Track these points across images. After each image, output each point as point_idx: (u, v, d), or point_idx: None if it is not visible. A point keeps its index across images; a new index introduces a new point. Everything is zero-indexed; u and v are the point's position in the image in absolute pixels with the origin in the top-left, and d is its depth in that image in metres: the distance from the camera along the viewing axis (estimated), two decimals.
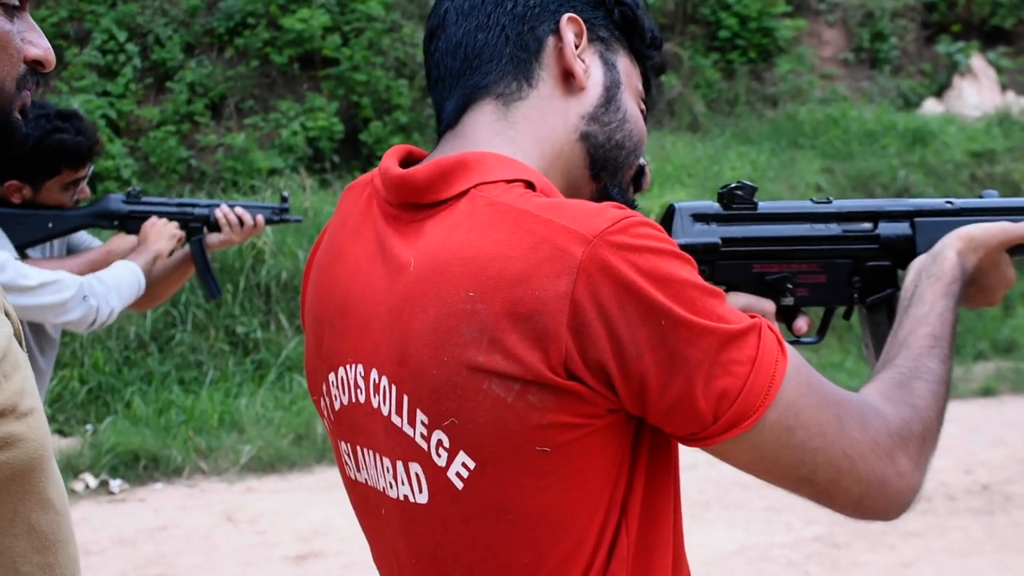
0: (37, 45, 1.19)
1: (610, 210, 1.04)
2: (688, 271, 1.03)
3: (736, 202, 1.35)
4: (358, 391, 1.15)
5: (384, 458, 1.13)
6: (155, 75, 9.13)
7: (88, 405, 6.42)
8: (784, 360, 1.06)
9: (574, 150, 1.18)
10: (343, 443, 1.21)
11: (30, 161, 2.79)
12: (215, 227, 3.11)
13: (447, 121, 1.19)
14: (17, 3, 1.17)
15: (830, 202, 1.39)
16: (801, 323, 1.40)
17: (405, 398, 1.09)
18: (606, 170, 1.20)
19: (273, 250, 7.19)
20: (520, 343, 1.01)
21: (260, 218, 3.12)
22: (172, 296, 6.86)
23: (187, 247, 3.11)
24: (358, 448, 1.18)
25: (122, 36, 8.95)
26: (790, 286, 1.38)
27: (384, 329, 1.11)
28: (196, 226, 3.10)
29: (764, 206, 1.37)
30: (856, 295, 1.41)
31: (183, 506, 5.39)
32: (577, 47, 1.18)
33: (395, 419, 1.10)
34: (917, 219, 1.38)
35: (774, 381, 1.04)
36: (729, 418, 1.03)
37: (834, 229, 1.38)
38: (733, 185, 1.35)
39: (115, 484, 5.66)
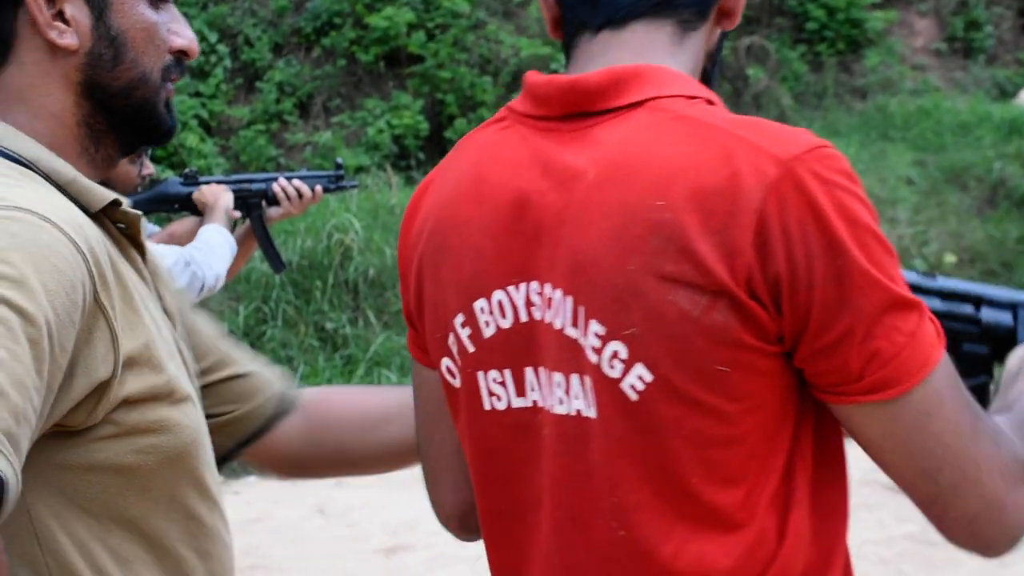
0: (182, 35, 1.20)
1: (805, 135, 1.02)
2: (873, 219, 1.01)
3: None
4: (530, 308, 1.10)
5: (555, 373, 1.09)
6: (245, 75, 9.30)
7: None
8: (940, 348, 1.03)
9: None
10: (495, 372, 1.14)
11: None
12: (273, 201, 3.10)
13: (617, 13, 1.12)
14: None
15: (935, 277, 1.36)
16: None
17: (581, 309, 1.06)
18: None
19: (361, 247, 7.28)
20: (710, 255, 1.00)
21: (319, 188, 3.12)
22: (263, 293, 7.03)
23: (247, 223, 3.11)
24: (525, 370, 1.12)
25: (213, 37, 9.13)
26: None
27: (556, 241, 1.08)
28: (255, 201, 3.09)
29: None
30: None
31: (275, 499, 5.49)
32: None
33: (569, 331, 1.07)
34: (1020, 311, 1.35)
35: (928, 361, 1.01)
36: (875, 380, 1.00)
37: (936, 305, 1.33)
38: None
39: None
